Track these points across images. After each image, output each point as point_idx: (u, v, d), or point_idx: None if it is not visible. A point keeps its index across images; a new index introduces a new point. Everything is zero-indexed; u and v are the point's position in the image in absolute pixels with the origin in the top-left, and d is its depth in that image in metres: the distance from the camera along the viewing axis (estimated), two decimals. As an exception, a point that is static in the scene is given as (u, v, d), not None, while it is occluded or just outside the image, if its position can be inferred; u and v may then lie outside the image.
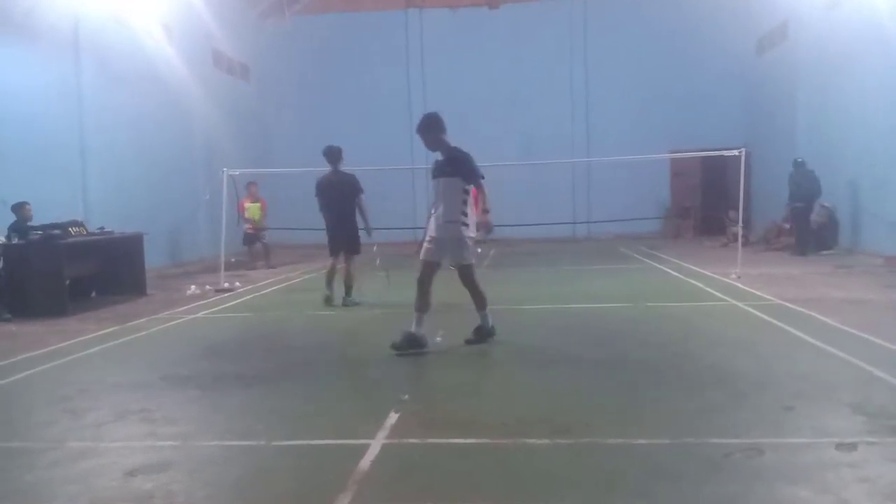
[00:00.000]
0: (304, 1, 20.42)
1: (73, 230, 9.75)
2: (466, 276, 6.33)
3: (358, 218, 8.98)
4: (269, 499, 3.29)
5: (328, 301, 8.91)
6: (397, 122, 20.52)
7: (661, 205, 20.02)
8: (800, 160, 13.99)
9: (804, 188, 13.62)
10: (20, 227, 9.36)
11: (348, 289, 8.93)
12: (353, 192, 8.88)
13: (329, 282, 9.09)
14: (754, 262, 12.01)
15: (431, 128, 6.33)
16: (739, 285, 9.57)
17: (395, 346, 6.01)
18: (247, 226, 14.31)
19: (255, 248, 14.48)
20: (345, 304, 8.84)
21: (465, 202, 6.23)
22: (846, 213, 13.70)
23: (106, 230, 10.72)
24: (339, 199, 8.87)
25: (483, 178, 6.27)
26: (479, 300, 6.40)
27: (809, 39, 15.28)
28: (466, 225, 6.21)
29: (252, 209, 14.35)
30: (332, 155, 9.00)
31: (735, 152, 11.07)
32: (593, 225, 19.72)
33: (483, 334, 6.38)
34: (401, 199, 20.13)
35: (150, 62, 14.28)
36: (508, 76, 19.77)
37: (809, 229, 13.69)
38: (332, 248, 9.17)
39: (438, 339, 6.77)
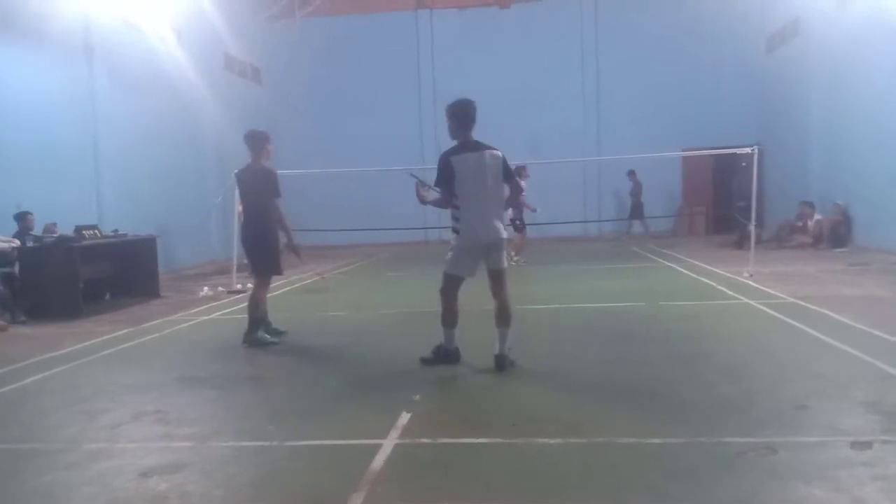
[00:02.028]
0: (315, 3, 20.48)
1: (87, 233, 9.84)
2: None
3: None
4: (283, 499, 3.31)
5: (272, 334, 6.96)
6: (408, 122, 20.60)
7: (673, 203, 19.94)
8: (744, 164, 14.91)
9: (745, 189, 14.62)
10: (21, 236, 9.45)
11: (252, 323, 6.74)
12: (265, 193, 6.73)
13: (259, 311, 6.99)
14: (767, 261, 11.94)
15: (467, 117, 5.57)
16: (752, 283, 9.52)
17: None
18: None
19: None
20: (245, 344, 6.69)
21: (454, 206, 5.52)
22: (859, 210, 13.61)
23: (119, 233, 10.81)
24: (249, 198, 6.93)
25: (438, 185, 5.58)
26: (442, 314, 5.68)
27: (820, 37, 15.19)
28: (456, 231, 5.56)
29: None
30: (252, 141, 6.85)
31: (748, 150, 11.00)
32: (604, 223, 19.67)
33: (441, 355, 5.68)
34: (411, 199, 20.12)
35: (161, 66, 14.37)
36: (519, 75, 19.74)
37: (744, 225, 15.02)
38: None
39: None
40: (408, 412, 4.42)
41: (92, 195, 12.30)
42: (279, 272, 7.06)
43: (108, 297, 10.48)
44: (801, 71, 16.24)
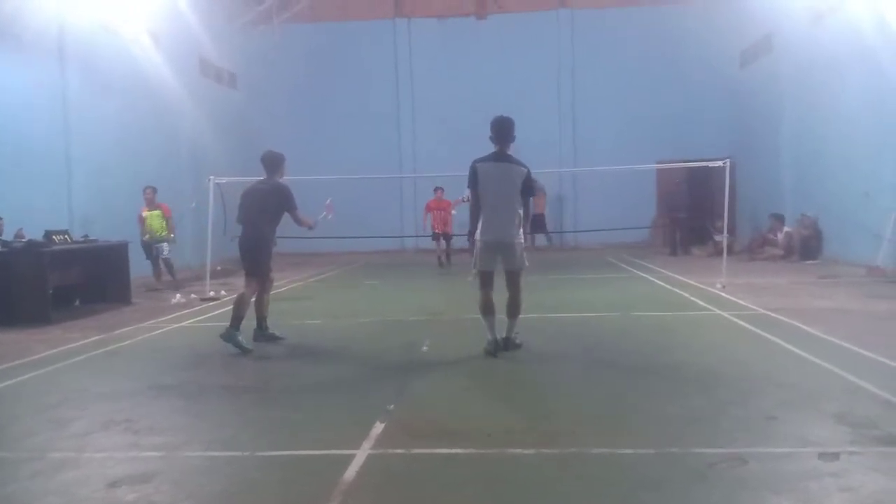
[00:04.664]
0: (293, 9, 20.43)
1: (56, 238, 9.69)
2: None
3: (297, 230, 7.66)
4: (254, 510, 3.27)
5: (268, 338, 7.32)
6: (385, 130, 20.62)
7: (648, 214, 20.11)
8: (677, 181, 17.25)
9: (677, 203, 17.39)
10: None
11: (234, 319, 6.86)
12: (280, 205, 7.17)
13: (258, 316, 7.39)
14: (739, 272, 12.08)
15: (499, 132, 6.30)
16: (724, 295, 9.63)
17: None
18: (145, 237, 12.48)
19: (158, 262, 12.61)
20: (221, 337, 6.82)
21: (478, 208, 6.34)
22: (830, 223, 13.84)
23: (90, 238, 10.65)
24: (257, 208, 7.14)
25: (468, 192, 6.45)
26: (479, 305, 6.42)
27: (793, 53, 15.45)
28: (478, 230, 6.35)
29: (150, 217, 12.41)
30: (270, 161, 7.34)
31: (720, 163, 11.14)
32: (580, 234, 19.78)
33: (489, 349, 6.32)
34: (388, 207, 20.18)
35: (136, 70, 14.25)
36: (496, 85, 19.80)
37: (683, 235, 17.19)
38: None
39: (425, 348, 6.79)
40: (382, 422, 4.40)
41: (63, 200, 12.13)
42: (266, 275, 7.41)
43: (78, 303, 10.33)
44: (774, 86, 16.49)
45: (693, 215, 17.17)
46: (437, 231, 15.21)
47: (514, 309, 6.33)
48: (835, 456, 3.63)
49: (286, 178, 7.57)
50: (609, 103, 20.00)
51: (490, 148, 6.30)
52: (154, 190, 12.55)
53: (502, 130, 6.29)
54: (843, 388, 4.91)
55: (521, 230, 6.28)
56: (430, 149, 19.84)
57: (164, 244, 12.45)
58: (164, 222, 12.51)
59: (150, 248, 12.49)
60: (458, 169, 6.40)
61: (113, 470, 3.75)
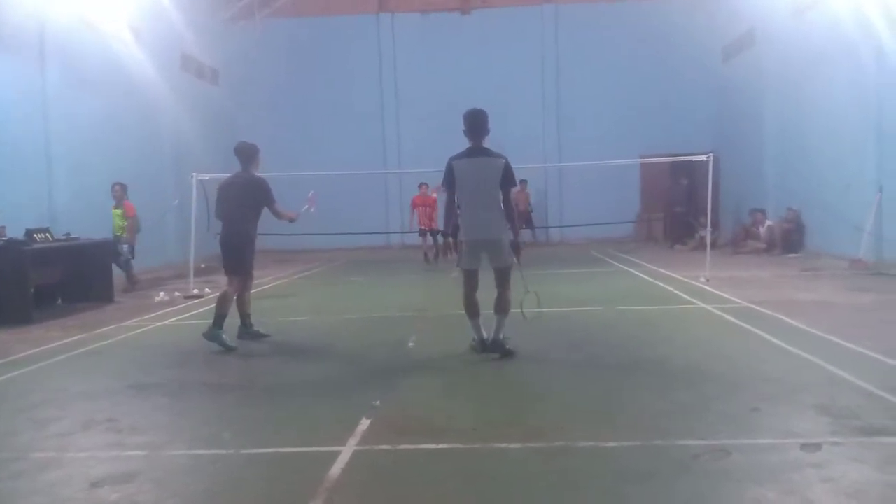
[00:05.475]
0: (275, 5, 20.30)
1: (38, 236, 9.58)
2: None
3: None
4: (239, 508, 3.25)
5: (252, 336, 7.24)
6: (369, 126, 20.55)
7: (632, 209, 20.20)
8: (682, 179, 17.47)
9: (676, 197, 17.83)
10: None
11: (217, 318, 6.75)
12: (258, 200, 7.03)
13: (241, 314, 7.30)
14: (723, 265, 12.16)
15: (473, 126, 6.07)
16: (708, 288, 9.69)
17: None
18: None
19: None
20: (204, 336, 6.71)
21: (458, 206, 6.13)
22: (813, 216, 13.95)
23: (72, 236, 10.54)
24: (234, 202, 6.96)
25: (444, 185, 6.25)
26: (464, 306, 6.20)
27: (776, 46, 15.54)
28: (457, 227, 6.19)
29: (115, 216, 11.87)
30: (243, 153, 7.16)
31: (703, 157, 11.20)
32: (565, 229, 19.82)
33: (477, 348, 6.17)
34: (373, 203, 20.13)
35: (117, 65, 14.10)
36: (480, 80, 19.76)
37: (681, 229, 17.60)
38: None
39: (411, 344, 6.78)
40: (367, 418, 4.39)
41: (44, 197, 11.98)
42: (249, 273, 7.21)
43: (59, 301, 10.22)
44: (757, 79, 16.58)
45: (688, 210, 17.40)
46: (422, 227, 15.18)
47: (502, 306, 6.07)
48: (817, 447, 3.67)
49: (268, 174, 7.51)
50: (593, 98, 20.04)
51: (466, 143, 6.09)
52: (123, 187, 11.86)
53: (476, 123, 6.05)
54: (825, 380, 4.96)
55: (508, 226, 6.11)
56: (415, 144, 19.77)
57: (124, 245, 11.69)
58: (124, 222, 11.81)
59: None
60: (442, 164, 6.31)
61: (95, 469, 3.72)
